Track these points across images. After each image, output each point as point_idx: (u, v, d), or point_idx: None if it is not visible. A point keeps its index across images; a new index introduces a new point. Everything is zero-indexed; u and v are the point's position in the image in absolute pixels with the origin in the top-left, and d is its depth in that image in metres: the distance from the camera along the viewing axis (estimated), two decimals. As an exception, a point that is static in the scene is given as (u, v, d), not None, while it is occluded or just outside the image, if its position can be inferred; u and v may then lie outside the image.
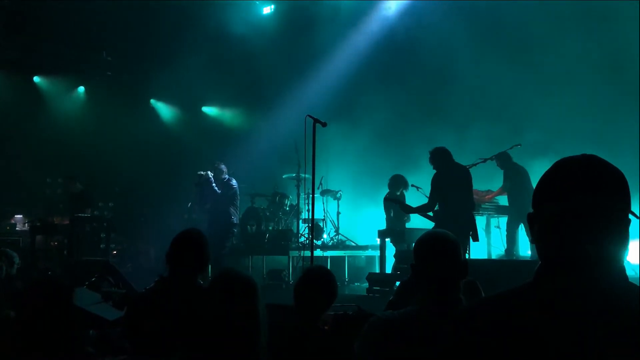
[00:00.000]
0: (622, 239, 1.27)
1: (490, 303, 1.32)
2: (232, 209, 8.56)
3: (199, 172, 8.52)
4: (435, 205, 6.92)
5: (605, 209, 1.25)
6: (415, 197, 8.59)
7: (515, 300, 1.28)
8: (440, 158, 6.95)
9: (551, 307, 1.22)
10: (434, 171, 6.98)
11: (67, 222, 9.76)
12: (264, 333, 2.10)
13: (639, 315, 1.19)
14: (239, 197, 8.84)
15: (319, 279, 2.87)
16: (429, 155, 7.06)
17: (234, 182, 8.69)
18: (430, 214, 7.08)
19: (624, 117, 8.79)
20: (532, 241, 1.30)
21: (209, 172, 8.51)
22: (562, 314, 1.20)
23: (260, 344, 2.07)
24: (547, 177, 1.34)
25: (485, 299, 1.32)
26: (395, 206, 9.12)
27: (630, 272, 7.76)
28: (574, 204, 1.26)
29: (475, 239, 6.80)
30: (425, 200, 7.19)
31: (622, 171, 1.31)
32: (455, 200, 6.78)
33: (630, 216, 1.29)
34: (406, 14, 11.77)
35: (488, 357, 1.22)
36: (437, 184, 6.87)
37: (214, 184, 8.47)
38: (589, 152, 1.35)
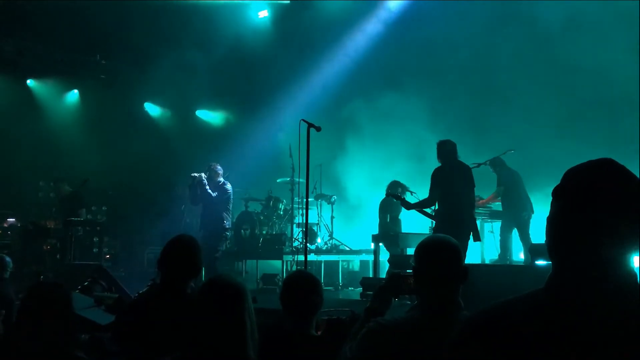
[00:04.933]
0: (633, 244, 1.23)
1: (501, 309, 1.29)
2: (225, 214, 8.40)
3: (192, 174, 8.35)
4: (435, 200, 6.71)
5: (616, 211, 1.22)
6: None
7: (526, 307, 1.25)
8: (445, 152, 6.75)
9: (562, 315, 1.20)
10: (430, 174, 6.78)
11: (60, 225, 9.71)
12: (253, 337, 2.10)
13: None
14: (232, 202, 8.69)
15: (303, 284, 2.84)
16: (436, 146, 6.85)
17: (228, 186, 8.49)
18: (429, 211, 6.92)
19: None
20: (546, 243, 1.28)
21: (202, 174, 8.33)
22: (573, 322, 1.19)
23: (248, 348, 2.07)
24: (562, 179, 1.31)
25: (494, 305, 1.29)
26: (393, 210, 9.15)
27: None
28: (579, 200, 1.23)
29: (476, 238, 6.72)
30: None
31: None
32: (456, 198, 6.59)
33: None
34: (402, 17, 11.84)
35: None
36: (437, 178, 6.66)
37: (207, 187, 8.27)
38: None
